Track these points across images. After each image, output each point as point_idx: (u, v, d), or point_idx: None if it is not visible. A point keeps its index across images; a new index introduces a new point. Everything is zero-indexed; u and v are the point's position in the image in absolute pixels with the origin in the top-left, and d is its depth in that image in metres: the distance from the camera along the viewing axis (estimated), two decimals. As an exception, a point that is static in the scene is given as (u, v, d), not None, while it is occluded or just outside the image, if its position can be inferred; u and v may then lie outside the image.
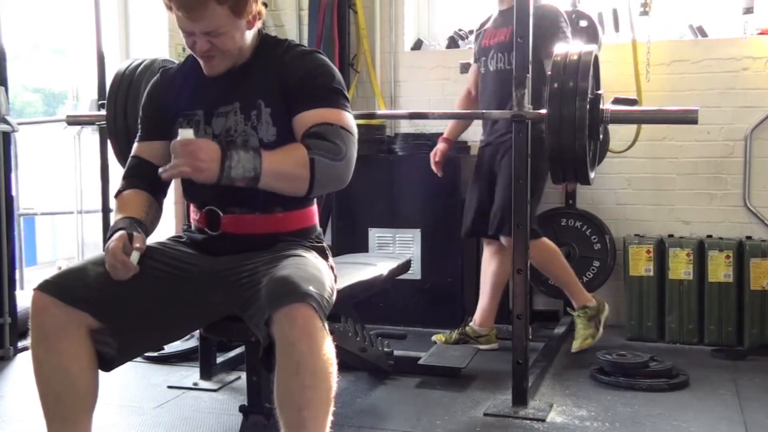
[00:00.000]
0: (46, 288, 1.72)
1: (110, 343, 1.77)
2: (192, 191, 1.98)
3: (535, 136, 2.52)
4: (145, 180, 1.95)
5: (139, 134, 2.06)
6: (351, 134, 1.87)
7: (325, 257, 1.97)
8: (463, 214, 3.44)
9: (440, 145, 3.43)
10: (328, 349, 1.63)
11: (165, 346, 3.21)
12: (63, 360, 1.70)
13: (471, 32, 4.00)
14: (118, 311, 1.76)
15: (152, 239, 1.98)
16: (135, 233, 1.78)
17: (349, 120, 1.89)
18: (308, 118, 1.84)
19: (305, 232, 1.98)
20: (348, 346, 2.61)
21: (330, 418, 1.63)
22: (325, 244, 2.03)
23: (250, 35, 1.91)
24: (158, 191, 1.99)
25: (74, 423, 1.73)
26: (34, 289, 1.73)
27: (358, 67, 4.27)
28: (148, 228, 1.89)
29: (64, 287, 1.72)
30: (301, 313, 1.59)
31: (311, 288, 1.64)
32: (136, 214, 1.87)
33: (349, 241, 3.61)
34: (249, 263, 1.83)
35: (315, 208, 2.05)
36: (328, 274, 1.84)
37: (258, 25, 1.92)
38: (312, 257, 1.87)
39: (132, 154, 2.04)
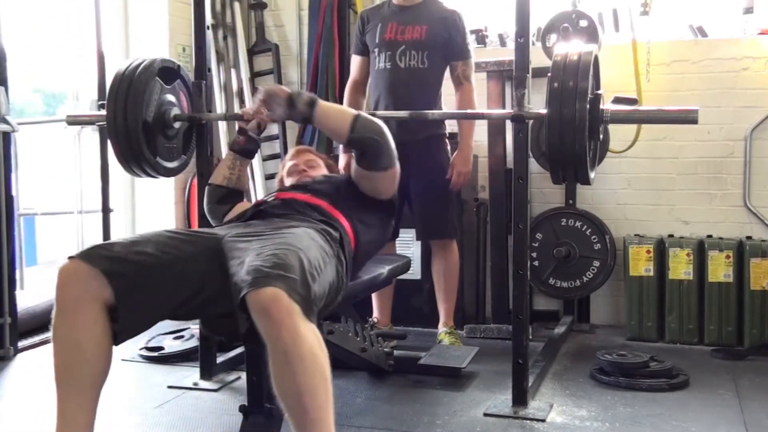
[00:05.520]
0: (75, 256, 1.83)
1: (119, 317, 1.84)
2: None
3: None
4: None
5: None
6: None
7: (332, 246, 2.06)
8: None
9: (350, 157, 3.32)
10: (310, 332, 1.65)
11: (165, 347, 3.22)
12: (76, 332, 1.79)
13: (471, 33, 4.00)
14: (134, 273, 1.84)
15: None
16: None
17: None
18: None
19: (330, 216, 2.24)
20: (348, 346, 2.61)
21: (331, 398, 1.66)
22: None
23: None
24: None
25: (82, 392, 1.80)
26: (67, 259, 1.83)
27: (358, 67, 4.26)
28: None
29: (90, 251, 1.85)
30: (275, 305, 1.62)
31: (285, 272, 1.68)
32: None
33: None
34: (250, 235, 1.98)
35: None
36: (317, 254, 1.89)
37: None
38: (308, 233, 1.99)
39: None
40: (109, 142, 2.78)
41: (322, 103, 2.37)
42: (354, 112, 2.43)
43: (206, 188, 2.67)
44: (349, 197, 2.45)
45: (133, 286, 1.83)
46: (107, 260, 1.83)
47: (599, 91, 2.45)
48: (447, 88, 3.41)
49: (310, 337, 1.64)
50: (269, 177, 4.42)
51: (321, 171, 2.77)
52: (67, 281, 1.81)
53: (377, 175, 2.47)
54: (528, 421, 2.47)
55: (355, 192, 2.50)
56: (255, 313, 1.64)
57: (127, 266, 1.84)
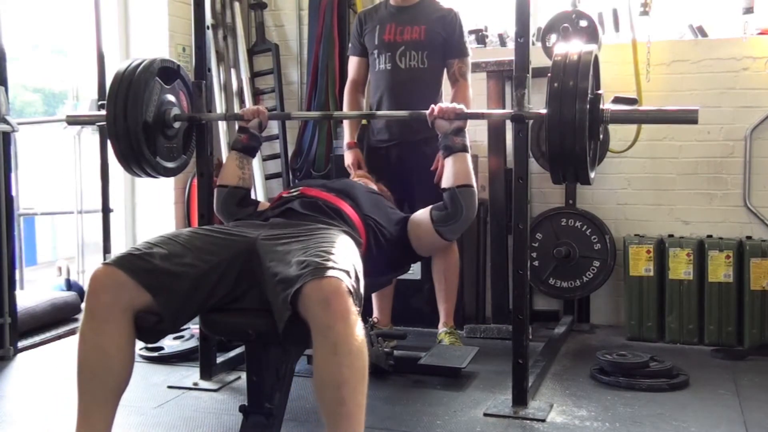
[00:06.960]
0: (111, 263, 1.87)
1: (155, 317, 1.88)
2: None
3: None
4: None
5: None
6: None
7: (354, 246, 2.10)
8: None
9: (355, 152, 3.38)
10: (361, 330, 1.71)
11: (165, 347, 3.22)
12: (105, 340, 1.83)
13: (470, 33, 4.01)
14: (177, 287, 1.88)
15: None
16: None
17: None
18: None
19: (351, 225, 2.28)
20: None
21: (366, 397, 1.70)
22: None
23: None
24: None
25: (104, 403, 1.84)
26: (101, 264, 1.87)
27: (358, 67, 4.26)
28: None
29: (128, 260, 1.87)
30: (335, 296, 1.68)
31: (340, 267, 1.75)
32: None
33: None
34: (286, 237, 1.99)
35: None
36: (356, 256, 1.97)
37: None
38: (344, 237, 2.04)
39: None
40: (109, 142, 2.78)
41: (468, 155, 2.61)
42: (474, 183, 2.59)
43: (219, 190, 2.65)
44: (383, 220, 2.48)
45: (176, 299, 1.87)
46: (149, 273, 1.85)
47: (599, 91, 2.45)
48: (447, 87, 3.41)
49: (361, 332, 1.70)
50: (269, 177, 4.42)
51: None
52: (101, 288, 1.83)
53: (440, 241, 2.57)
54: (528, 421, 2.47)
55: (392, 225, 2.52)
56: (313, 302, 1.67)
57: (169, 280, 1.87)
